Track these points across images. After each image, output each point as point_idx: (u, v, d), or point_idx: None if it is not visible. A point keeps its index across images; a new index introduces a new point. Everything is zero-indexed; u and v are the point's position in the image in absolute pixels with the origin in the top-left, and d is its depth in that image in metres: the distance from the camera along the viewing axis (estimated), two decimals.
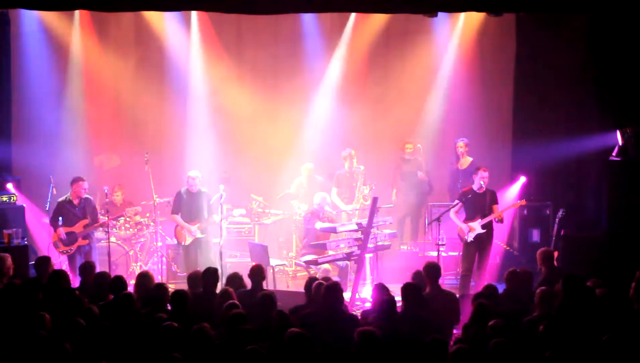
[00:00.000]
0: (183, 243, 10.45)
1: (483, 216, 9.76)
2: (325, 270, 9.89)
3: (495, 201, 9.91)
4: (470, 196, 9.81)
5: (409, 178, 11.75)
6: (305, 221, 10.58)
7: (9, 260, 8.10)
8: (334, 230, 9.91)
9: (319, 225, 10.25)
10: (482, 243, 9.81)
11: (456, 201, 10.02)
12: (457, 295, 7.96)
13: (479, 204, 9.80)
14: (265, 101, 12.52)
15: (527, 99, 11.77)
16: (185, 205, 10.51)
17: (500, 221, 9.91)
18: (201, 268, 8.60)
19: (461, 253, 10.14)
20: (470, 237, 9.77)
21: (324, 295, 6.67)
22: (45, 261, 8.28)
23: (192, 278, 7.81)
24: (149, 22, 12.23)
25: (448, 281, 10.45)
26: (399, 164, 11.85)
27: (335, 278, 8.61)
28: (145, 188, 11.02)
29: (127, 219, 11.11)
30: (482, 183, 9.79)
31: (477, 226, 9.75)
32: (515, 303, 7.16)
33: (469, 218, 9.86)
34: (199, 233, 10.39)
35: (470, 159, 11.61)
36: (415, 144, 11.83)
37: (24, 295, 6.98)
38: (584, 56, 11.21)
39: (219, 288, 7.65)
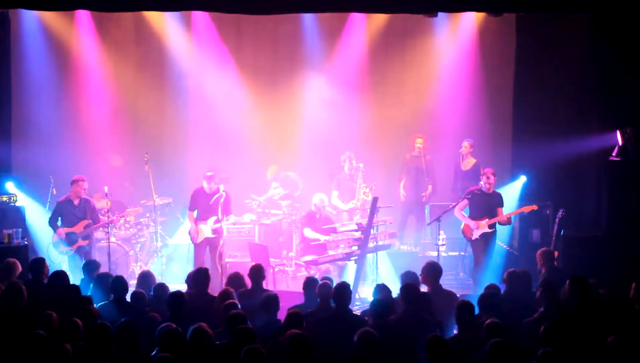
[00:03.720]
0: (195, 242, 10.34)
1: (490, 217, 9.78)
2: (326, 270, 9.88)
3: (500, 203, 9.94)
4: (476, 195, 9.82)
5: (415, 175, 11.74)
6: (301, 225, 10.57)
7: (19, 267, 8.09)
8: (330, 231, 9.89)
9: (307, 233, 10.23)
10: (487, 241, 9.86)
11: (462, 199, 10.04)
12: (458, 295, 7.96)
13: (487, 205, 9.85)
14: (265, 101, 12.52)
15: (527, 99, 11.75)
16: (200, 204, 10.30)
17: (508, 222, 9.99)
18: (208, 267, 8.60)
19: (462, 253, 10.15)
20: (476, 234, 9.78)
21: (334, 294, 6.69)
22: (40, 262, 8.23)
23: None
24: (149, 22, 12.24)
25: (448, 281, 10.43)
26: (406, 160, 11.84)
27: (335, 278, 8.61)
28: (145, 188, 11.01)
29: (127, 219, 11.09)
30: (484, 183, 9.80)
31: (485, 225, 9.77)
32: (515, 304, 7.16)
33: (474, 217, 9.88)
34: (209, 232, 10.26)
35: (474, 160, 11.63)
36: (425, 140, 11.81)
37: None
38: (584, 56, 11.20)
39: (219, 288, 7.65)
